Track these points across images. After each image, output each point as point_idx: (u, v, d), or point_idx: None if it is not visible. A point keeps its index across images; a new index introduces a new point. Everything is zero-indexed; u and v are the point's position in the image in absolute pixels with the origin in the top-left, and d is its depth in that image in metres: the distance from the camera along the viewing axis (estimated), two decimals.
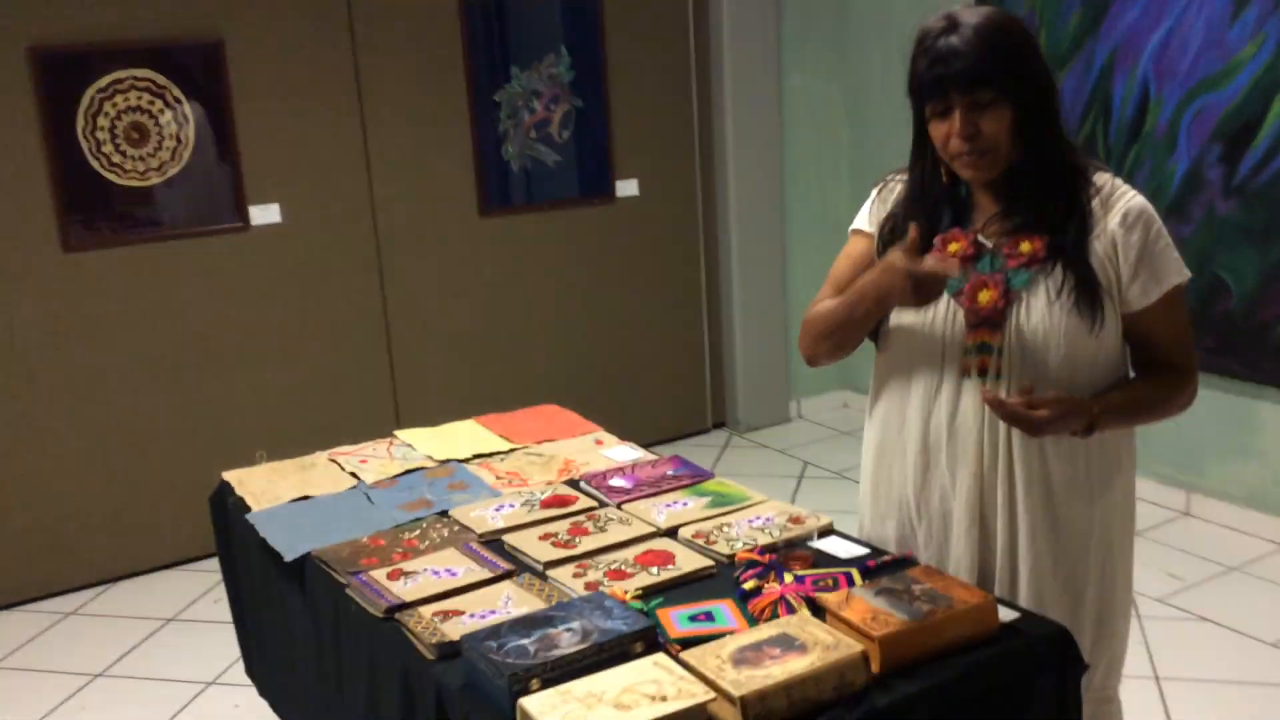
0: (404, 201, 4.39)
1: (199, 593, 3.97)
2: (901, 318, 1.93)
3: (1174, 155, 3.91)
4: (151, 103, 3.83)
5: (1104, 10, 4.01)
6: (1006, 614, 1.72)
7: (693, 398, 5.26)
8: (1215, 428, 3.95)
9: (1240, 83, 3.69)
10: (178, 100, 3.88)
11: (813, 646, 1.56)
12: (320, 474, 2.55)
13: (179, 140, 3.91)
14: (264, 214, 4.12)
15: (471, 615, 1.81)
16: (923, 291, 1.79)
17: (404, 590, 1.91)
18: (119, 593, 4.02)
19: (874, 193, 2.04)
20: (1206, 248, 3.83)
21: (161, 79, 3.84)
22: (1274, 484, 3.88)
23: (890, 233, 1.95)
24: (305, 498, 2.41)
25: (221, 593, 3.92)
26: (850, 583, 1.82)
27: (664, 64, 4.87)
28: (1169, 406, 1.89)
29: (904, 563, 1.91)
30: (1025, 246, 1.81)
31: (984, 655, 1.64)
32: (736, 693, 1.46)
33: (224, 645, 3.55)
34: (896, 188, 1.99)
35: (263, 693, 2.64)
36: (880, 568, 1.90)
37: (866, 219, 2.03)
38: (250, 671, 2.69)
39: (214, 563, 4.13)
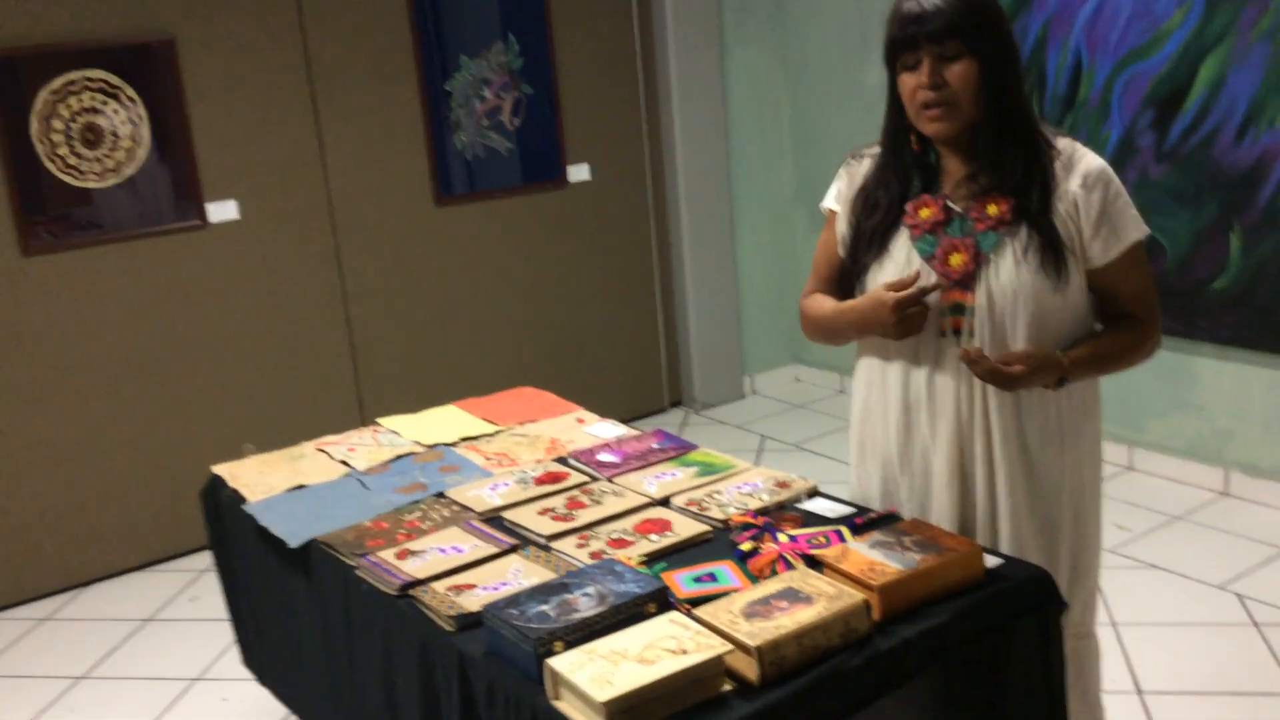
0: (360, 193, 4.42)
1: (173, 592, 3.99)
2: (880, 282, 2.03)
3: (1107, 123, 4.07)
4: (105, 103, 3.82)
5: None
6: (990, 560, 1.84)
7: (649, 377, 5.36)
8: (1154, 384, 4.13)
9: (1168, 51, 3.85)
10: (131, 100, 3.87)
11: (818, 598, 1.66)
12: (310, 464, 2.60)
13: (134, 140, 3.90)
14: (221, 211, 4.12)
15: (484, 588, 1.88)
16: (904, 328, 1.93)
17: (415, 568, 1.98)
18: (92, 596, 4.01)
19: (841, 170, 2.15)
20: (1141, 211, 3.97)
21: (114, 79, 3.83)
22: (1211, 436, 4.07)
23: (863, 204, 2.06)
24: (300, 487, 2.46)
25: (197, 591, 3.97)
26: (840, 539, 1.93)
27: (610, 48, 4.93)
28: (1134, 355, 2.02)
29: (889, 518, 2.03)
30: (992, 209, 1.93)
31: (973, 599, 1.76)
32: (752, 643, 1.56)
33: (205, 642, 3.58)
34: (863, 164, 2.10)
35: (263, 681, 2.69)
36: (867, 524, 2.01)
37: (834, 197, 2.15)
38: (249, 661, 2.73)
39: (187, 562, 4.19)
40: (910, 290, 1.92)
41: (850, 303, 2.05)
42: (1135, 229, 1.96)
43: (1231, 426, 4.00)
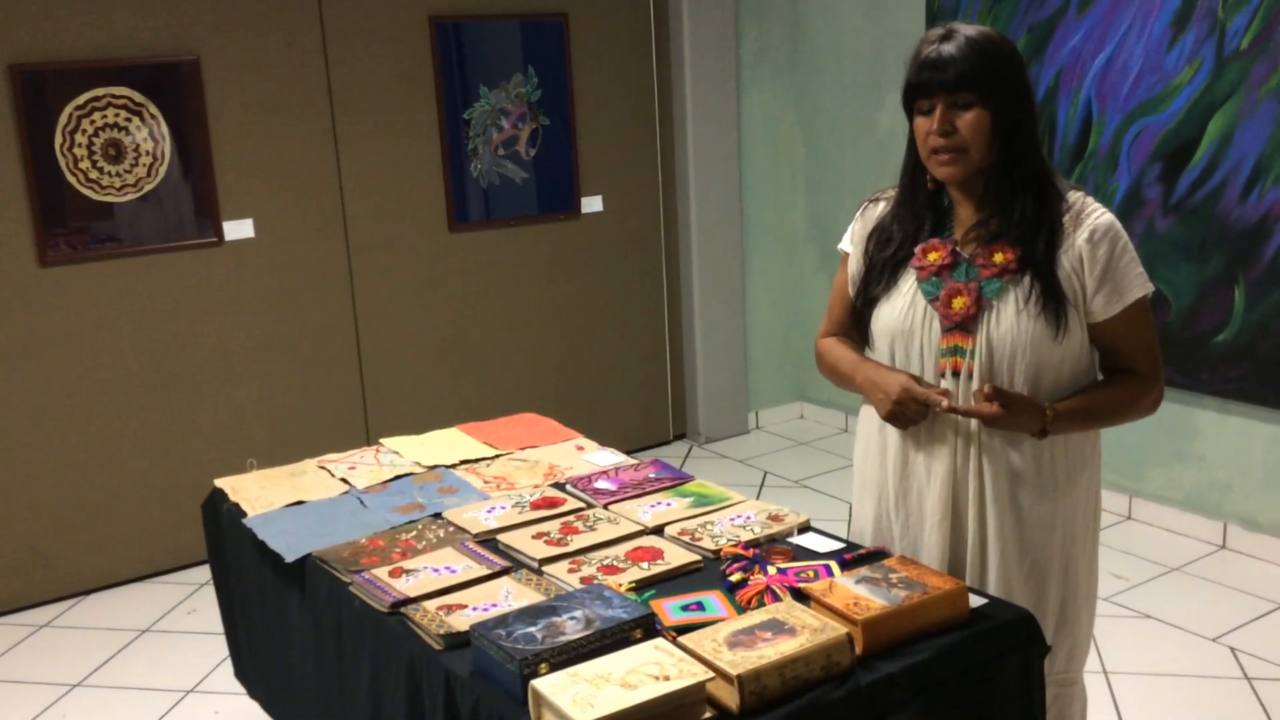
0: (375, 216, 4.48)
1: (172, 604, 4.01)
2: (883, 322, 2.07)
3: (1115, 174, 4.11)
4: (129, 120, 3.89)
5: (1049, 35, 4.21)
6: (976, 600, 1.86)
7: (655, 409, 5.39)
8: (1155, 435, 4.14)
9: (1177, 106, 3.90)
10: (154, 117, 3.95)
11: (801, 630, 1.69)
12: (311, 480, 2.63)
13: (155, 156, 3.97)
14: (237, 229, 4.19)
15: (475, 608, 1.91)
16: (897, 411, 1.98)
17: (407, 587, 2.01)
18: (92, 605, 4.05)
19: (858, 213, 2.20)
20: (1146, 263, 3.96)
21: (139, 96, 3.90)
22: (1211, 488, 4.07)
23: (878, 239, 2.10)
24: (299, 503, 2.49)
25: (195, 603, 4.00)
26: (829, 573, 1.95)
27: (627, 84, 5.00)
28: (1130, 411, 2.04)
29: (877, 555, 2.05)
30: (998, 257, 1.96)
31: (956, 637, 1.78)
32: (734, 671, 1.58)
33: (201, 654, 3.61)
34: (878, 206, 2.15)
35: (254, 694, 2.71)
36: (856, 560, 2.03)
37: (849, 239, 2.19)
38: (240, 674, 2.75)
39: (186, 575, 4.22)
40: (925, 392, 1.96)
41: (869, 363, 2.10)
42: (1139, 286, 1.99)
43: (1231, 480, 4.00)
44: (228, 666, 2.89)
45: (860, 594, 1.78)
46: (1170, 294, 3.98)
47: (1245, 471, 3.95)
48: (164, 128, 3.97)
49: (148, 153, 3.95)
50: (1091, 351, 2.04)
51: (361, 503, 2.47)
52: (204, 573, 4.11)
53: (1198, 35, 3.80)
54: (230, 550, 2.58)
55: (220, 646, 3.22)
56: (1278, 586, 3.74)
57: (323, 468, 2.71)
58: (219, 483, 2.65)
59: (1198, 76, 3.82)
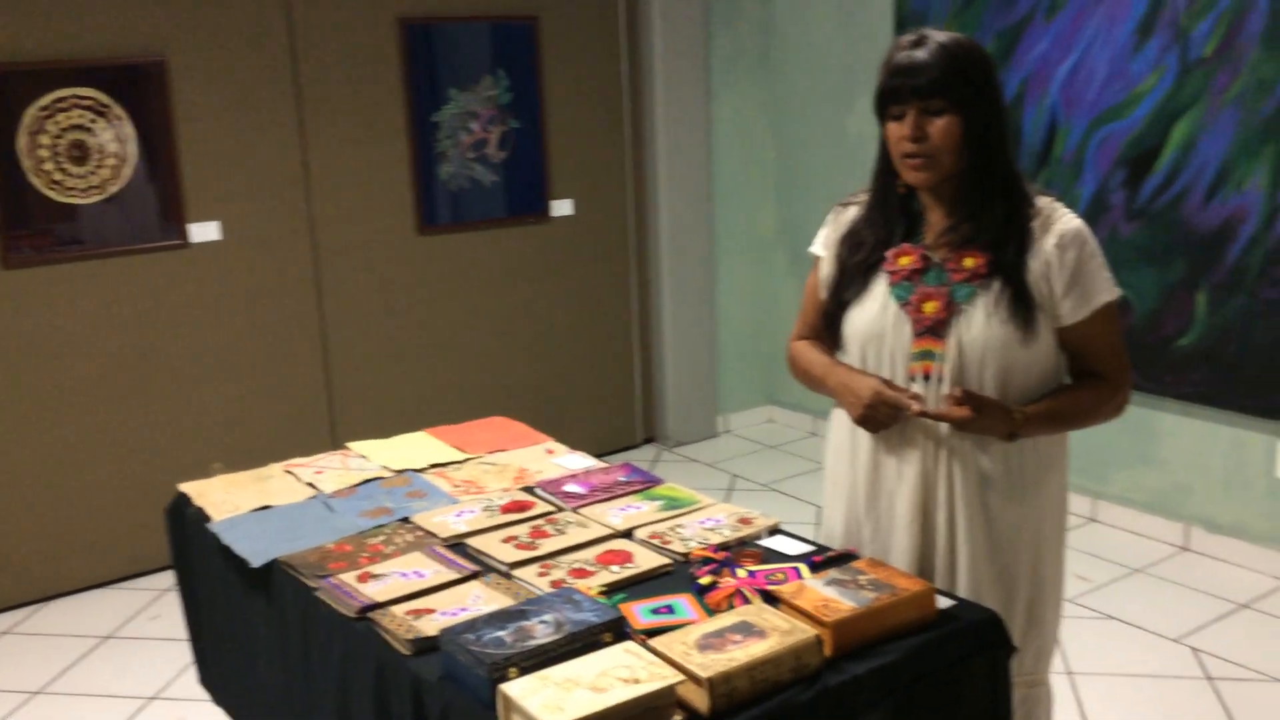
0: (343, 219, 4.45)
1: (134, 610, 3.97)
2: (855, 326, 2.08)
3: (1080, 180, 4.15)
4: (94, 121, 3.85)
5: (1016, 41, 4.25)
6: (944, 601, 1.87)
7: (624, 412, 5.38)
8: (1119, 438, 4.19)
9: (1141, 113, 3.94)
10: (119, 118, 3.91)
11: (771, 632, 1.69)
12: (277, 485, 2.61)
13: (120, 158, 3.93)
14: (204, 231, 4.15)
15: (444, 613, 1.90)
16: (869, 415, 2.00)
17: (375, 591, 2.00)
18: (52, 612, 3.99)
19: (829, 217, 2.21)
20: (1111, 268, 4.04)
21: (104, 98, 3.86)
22: (1174, 490, 4.12)
23: (850, 244, 2.12)
24: (265, 507, 2.47)
25: (158, 609, 3.96)
26: (799, 575, 1.96)
27: (598, 88, 5.00)
28: (1097, 414, 2.06)
29: (847, 557, 2.06)
30: (969, 262, 1.98)
31: (924, 639, 1.79)
32: (704, 674, 1.58)
33: (164, 661, 3.57)
34: (850, 211, 2.16)
35: (218, 701, 2.68)
36: (825, 562, 2.03)
37: (820, 243, 2.21)
38: (205, 681, 2.72)
39: (148, 580, 4.18)
40: (897, 396, 1.97)
41: (841, 367, 2.11)
42: (1106, 290, 2.01)
43: (1192, 482, 4.05)
44: (191, 673, 2.86)
45: (829, 596, 1.79)
46: (1134, 298, 4.02)
47: (1206, 474, 4.00)
48: (129, 129, 3.93)
49: (113, 154, 3.91)
50: (1059, 355, 2.06)
51: (328, 507, 2.45)
52: (167, 578, 4.07)
53: (1162, 43, 3.84)
54: (195, 555, 2.55)
55: (184, 653, 3.20)
56: (1238, 587, 3.79)
57: (289, 472, 2.68)
58: (183, 487, 2.62)
59: (1161, 83, 3.87)
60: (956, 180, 2.00)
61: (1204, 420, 3.97)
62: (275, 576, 2.20)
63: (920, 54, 1.93)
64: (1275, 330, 3.69)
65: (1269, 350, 3.71)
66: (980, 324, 1.97)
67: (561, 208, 4.98)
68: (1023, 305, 1.96)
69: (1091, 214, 4.09)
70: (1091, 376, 2.05)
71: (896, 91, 1.95)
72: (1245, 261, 3.73)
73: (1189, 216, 3.86)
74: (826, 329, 2.19)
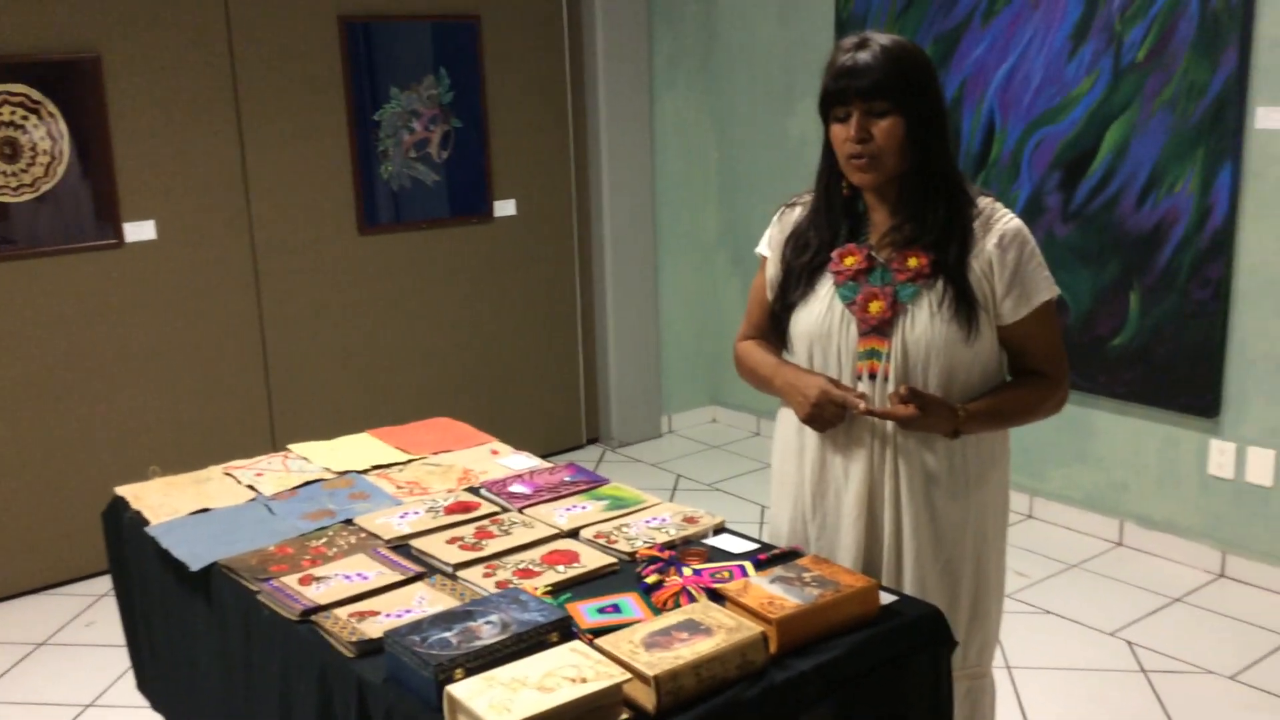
0: (282, 218, 4.40)
1: (69, 617, 3.89)
2: (801, 326, 2.10)
3: (1017, 182, 4.22)
4: (25, 118, 3.77)
5: (954, 46, 4.31)
6: (886, 597, 1.89)
7: (568, 413, 5.38)
8: (1056, 436, 4.26)
9: (1076, 116, 4.02)
10: (52, 115, 3.82)
11: (717, 630, 1.70)
12: (216, 488, 2.57)
13: (53, 156, 3.84)
14: (139, 230, 4.08)
15: (388, 615, 1.88)
16: (815, 414, 2.02)
17: (317, 594, 1.98)
18: None
19: (775, 218, 2.22)
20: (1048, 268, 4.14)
21: (36, 94, 3.78)
22: (1108, 487, 4.20)
23: (794, 245, 2.14)
24: (205, 510, 2.44)
25: (93, 616, 3.88)
26: (744, 573, 1.97)
27: (540, 87, 4.99)
28: (1037, 411, 2.10)
29: (791, 555, 2.07)
30: (913, 262, 2.01)
31: (867, 634, 1.81)
32: (651, 672, 1.58)
33: (99, 668, 3.50)
34: (795, 211, 2.18)
35: (157, 707, 2.64)
36: (770, 560, 2.05)
37: (766, 243, 2.22)
38: (143, 687, 2.68)
39: (85, 586, 4.10)
40: (843, 395, 1.99)
41: (788, 366, 2.13)
42: (1046, 289, 2.05)
43: (1126, 479, 4.14)
44: (129, 680, 2.81)
45: (774, 593, 1.80)
46: (1069, 299, 4.10)
47: (1140, 471, 4.09)
48: (62, 126, 3.85)
49: (45, 152, 3.83)
50: (1000, 353, 2.09)
51: (269, 510, 2.42)
52: (103, 584, 3.99)
53: (1096, 47, 3.92)
54: (132, 560, 2.51)
55: (121, 659, 3.13)
56: (1171, 582, 3.87)
57: (229, 474, 2.64)
58: (120, 491, 2.57)
59: (1096, 87, 3.95)
60: (900, 181, 2.02)
61: (1138, 418, 4.05)
62: (215, 580, 2.16)
63: (864, 56, 1.96)
64: (1206, 330, 3.78)
65: (1200, 349, 3.80)
66: (924, 323, 2.00)
67: (504, 208, 4.96)
68: (965, 304, 1.99)
69: (1028, 216, 4.15)
70: (1031, 374, 2.09)
71: (841, 93, 1.97)
72: (1177, 262, 3.82)
73: (1123, 218, 3.94)
74: (773, 329, 2.21)
